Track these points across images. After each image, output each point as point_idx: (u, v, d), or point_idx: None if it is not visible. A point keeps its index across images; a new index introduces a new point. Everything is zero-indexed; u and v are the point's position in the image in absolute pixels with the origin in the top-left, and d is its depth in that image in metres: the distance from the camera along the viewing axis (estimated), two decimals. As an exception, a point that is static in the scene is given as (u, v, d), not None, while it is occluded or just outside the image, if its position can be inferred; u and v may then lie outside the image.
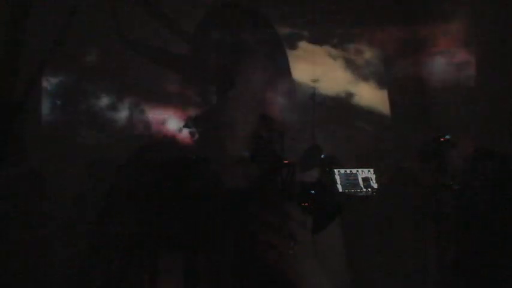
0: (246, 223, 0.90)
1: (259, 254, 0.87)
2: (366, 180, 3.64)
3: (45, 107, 3.24)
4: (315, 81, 3.65)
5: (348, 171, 3.60)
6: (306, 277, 0.90)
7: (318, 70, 3.62)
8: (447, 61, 3.71)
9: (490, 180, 1.89)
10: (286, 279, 0.90)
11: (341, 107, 3.95)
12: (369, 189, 3.58)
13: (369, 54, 3.62)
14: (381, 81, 3.90)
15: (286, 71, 1.36)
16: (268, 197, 0.88)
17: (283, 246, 0.86)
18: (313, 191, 0.96)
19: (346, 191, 3.53)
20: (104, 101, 2.71)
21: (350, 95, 3.87)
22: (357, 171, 3.63)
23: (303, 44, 3.59)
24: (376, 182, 3.59)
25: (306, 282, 0.90)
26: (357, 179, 3.64)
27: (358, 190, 3.57)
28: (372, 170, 3.65)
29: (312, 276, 0.91)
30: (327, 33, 3.73)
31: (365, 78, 3.77)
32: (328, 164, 3.50)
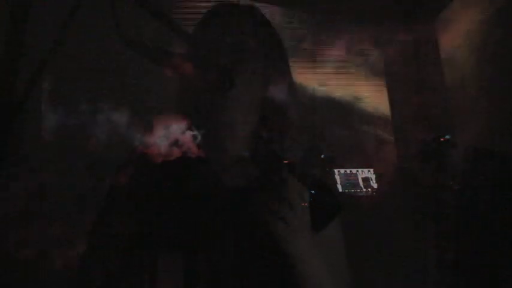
0: (247, 223, 0.90)
1: (258, 219, 0.88)
2: (366, 180, 3.64)
3: (45, 107, 3.24)
4: (316, 81, 3.65)
5: (348, 171, 3.60)
6: (306, 277, 0.90)
7: (318, 70, 3.62)
8: (447, 60, 3.71)
9: (490, 180, 1.89)
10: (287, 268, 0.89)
11: (341, 107, 3.95)
12: (369, 189, 3.58)
13: (369, 54, 3.62)
14: (381, 82, 3.90)
15: (286, 71, 1.37)
16: (268, 197, 0.88)
17: (281, 210, 0.86)
18: (313, 191, 0.96)
19: (346, 191, 3.53)
20: (104, 101, 2.72)
21: (350, 95, 3.87)
22: (357, 171, 3.63)
23: (303, 44, 3.60)
24: (376, 182, 3.59)
25: (306, 282, 0.90)
26: (357, 179, 3.64)
27: (358, 190, 3.57)
28: (371, 170, 3.65)
29: (312, 276, 0.91)
30: (327, 33, 3.73)
31: (365, 78, 3.77)
32: (328, 164, 3.50)
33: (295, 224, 0.88)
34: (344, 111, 3.97)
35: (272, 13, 1.38)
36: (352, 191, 3.59)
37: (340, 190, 3.49)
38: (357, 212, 2.99)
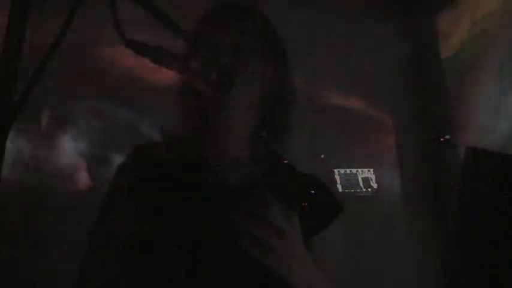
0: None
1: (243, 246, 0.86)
2: (365, 180, 3.64)
3: (45, 107, 3.23)
4: (316, 81, 3.65)
5: (348, 171, 3.60)
6: (300, 279, 0.89)
7: (318, 70, 3.62)
8: (448, 60, 3.71)
9: (490, 180, 1.89)
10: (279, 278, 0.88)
11: (341, 106, 3.94)
12: (369, 189, 3.58)
13: (369, 54, 3.62)
14: (381, 82, 3.90)
15: (286, 71, 1.37)
16: (268, 197, 0.88)
17: (266, 238, 0.84)
18: (313, 191, 0.96)
19: (346, 191, 3.53)
20: (105, 100, 2.72)
21: (350, 94, 3.86)
22: (357, 171, 3.63)
23: (302, 43, 3.59)
24: (376, 182, 3.59)
25: (301, 284, 0.89)
26: (357, 179, 3.63)
27: (358, 190, 3.57)
28: (371, 170, 3.65)
29: (310, 279, 0.91)
30: (326, 33, 3.73)
31: (365, 78, 3.77)
32: (328, 164, 3.50)
33: (280, 249, 0.85)
34: (344, 111, 3.97)
35: (271, 12, 1.37)
36: (352, 191, 3.59)
37: (340, 190, 3.49)
38: (357, 212, 2.98)
